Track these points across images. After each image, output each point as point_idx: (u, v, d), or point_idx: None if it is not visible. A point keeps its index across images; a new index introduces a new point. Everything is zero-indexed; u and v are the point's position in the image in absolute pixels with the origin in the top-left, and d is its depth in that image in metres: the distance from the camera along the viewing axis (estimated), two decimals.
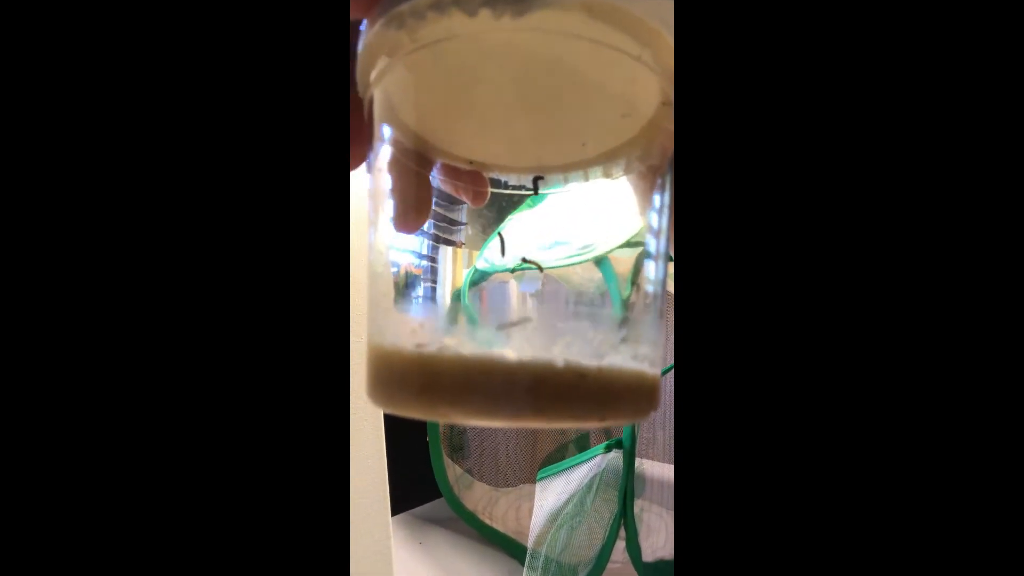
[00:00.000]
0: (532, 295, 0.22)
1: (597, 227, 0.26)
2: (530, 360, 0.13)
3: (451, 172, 0.19)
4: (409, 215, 0.18)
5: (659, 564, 0.55)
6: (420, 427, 0.79)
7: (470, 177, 0.19)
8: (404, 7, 0.13)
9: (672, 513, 0.66)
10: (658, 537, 0.58)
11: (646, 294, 0.17)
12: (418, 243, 0.21)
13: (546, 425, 0.14)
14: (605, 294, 0.25)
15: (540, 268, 0.21)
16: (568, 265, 0.25)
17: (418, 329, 0.15)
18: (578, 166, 0.18)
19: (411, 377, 0.14)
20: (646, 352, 0.16)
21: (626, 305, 0.18)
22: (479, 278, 0.30)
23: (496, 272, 0.22)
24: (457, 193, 0.20)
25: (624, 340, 0.17)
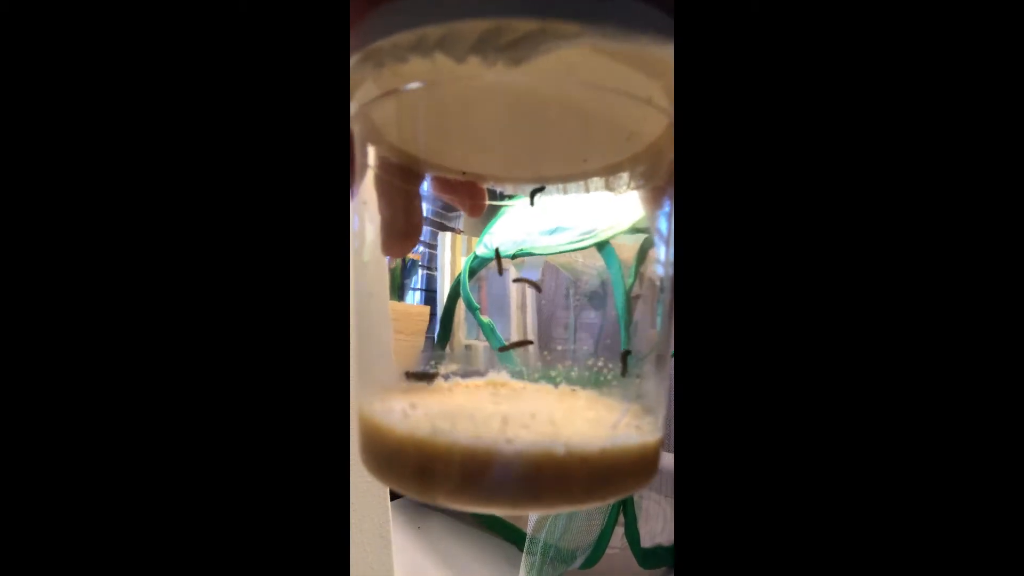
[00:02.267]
0: (533, 282, 0.22)
1: (599, 212, 0.26)
2: (528, 448, 0.12)
3: (445, 186, 0.18)
4: (396, 237, 0.17)
5: (657, 550, 0.55)
6: None
7: (467, 190, 0.18)
8: (383, 43, 0.11)
9: (669, 500, 0.66)
10: (656, 523, 0.59)
11: (657, 354, 0.16)
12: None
13: (546, 511, 0.13)
14: (607, 283, 0.25)
15: (539, 289, 0.21)
16: (570, 251, 0.25)
17: (409, 411, 0.14)
18: (579, 177, 0.18)
19: (405, 459, 0.13)
20: (651, 418, 0.15)
21: (628, 346, 0.17)
22: (479, 265, 0.30)
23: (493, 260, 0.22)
24: (453, 203, 0.19)
25: (630, 407, 0.16)
